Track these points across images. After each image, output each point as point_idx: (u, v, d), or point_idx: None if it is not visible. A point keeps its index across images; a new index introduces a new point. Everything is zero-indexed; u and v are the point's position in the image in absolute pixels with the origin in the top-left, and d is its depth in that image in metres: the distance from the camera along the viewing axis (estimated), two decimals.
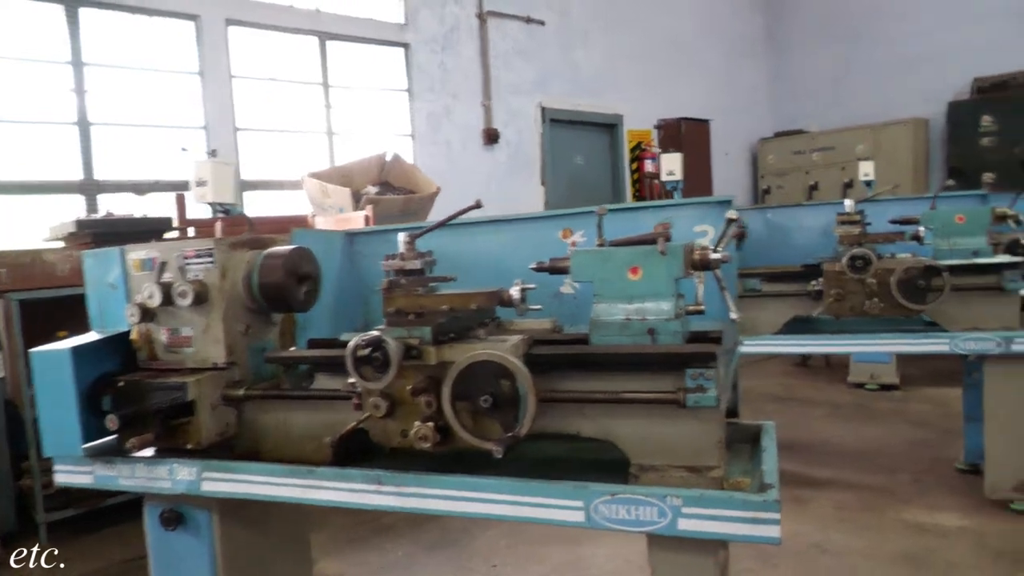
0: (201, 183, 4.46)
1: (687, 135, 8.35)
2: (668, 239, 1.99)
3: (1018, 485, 3.46)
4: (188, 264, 1.98)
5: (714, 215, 2.45)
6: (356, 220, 4.74)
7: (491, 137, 6.76)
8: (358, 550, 3.47)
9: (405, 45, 6.22)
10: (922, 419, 5.00)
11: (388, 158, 5.61)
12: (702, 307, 1.97)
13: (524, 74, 7.11)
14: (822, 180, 8.70)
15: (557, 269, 2.08)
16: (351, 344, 1.76)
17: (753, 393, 6.04)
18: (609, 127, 8.02)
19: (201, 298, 1.93)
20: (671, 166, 4.14)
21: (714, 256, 1.95)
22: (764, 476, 1.81)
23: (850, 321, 3.79)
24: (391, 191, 5.81)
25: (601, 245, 2.09)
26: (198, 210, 4.55)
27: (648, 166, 8.15)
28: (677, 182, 4.17)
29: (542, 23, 7.16)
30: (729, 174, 9.25)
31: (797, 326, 3.98)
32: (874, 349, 3.66)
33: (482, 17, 6.67)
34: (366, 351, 1.75)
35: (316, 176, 5.26)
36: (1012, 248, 4.96)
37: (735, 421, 2.41)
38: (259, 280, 2.02)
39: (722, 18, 9.30)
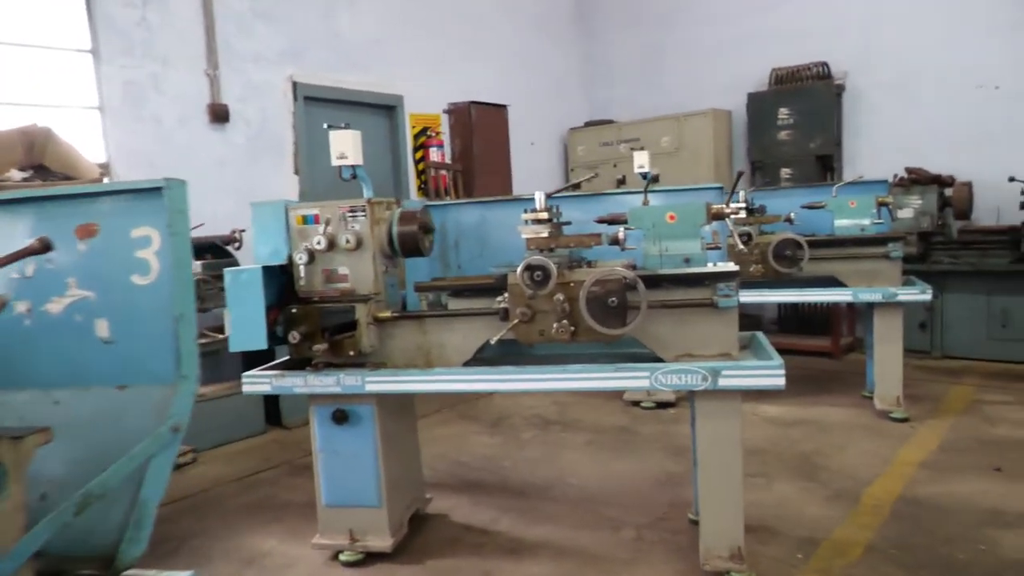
0: None
1: (480, 121, 7.51)
2: None
3: (735, 553, 2.78)
4: None
5: (156, 211, 1.48)
6: None
7: (219, 114, 5.58)
8: None
9: None
10: (682, 446, 4.34)
11: (41, 133, 4.33)
12: None
13: (268, 41, 5.96)
14: (630, 172, 8.14)
15: None
16: None
17: (521, 416, 5.26)
18: (387, 109, 7.02)
19: None
20: (342, 147, 3.20)
21: None
22: None
23: (555, 346, 3.01)
24: (49, 176, 4.53)
25: None
26: None
27: (434, 155, 7.24)
28: (353, 167, 3.23)
29: None
30: (537, 166, 8.51)
31: (499, 352, 3.17)
32: (557, 386, 2.86)
33: None
34: None
35: None
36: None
37: None
38: None
39: None
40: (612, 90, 9.12)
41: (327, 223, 3.05)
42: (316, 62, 6.31)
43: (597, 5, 9.18)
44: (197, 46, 5.50)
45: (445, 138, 7.42)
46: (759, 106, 7.52)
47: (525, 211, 2.87)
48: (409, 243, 3.08)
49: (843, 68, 7.23)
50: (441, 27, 7.43)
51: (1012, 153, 6.36)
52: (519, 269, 2.70)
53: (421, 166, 7.25)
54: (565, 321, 2.75)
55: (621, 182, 8.86)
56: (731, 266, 2.77)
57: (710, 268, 2.80)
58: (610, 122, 8.69)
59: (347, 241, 3.00)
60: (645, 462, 4.19)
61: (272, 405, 5.23)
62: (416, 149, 7.23)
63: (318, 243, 3.02)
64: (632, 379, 2.74)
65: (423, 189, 7.24)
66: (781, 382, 2.61)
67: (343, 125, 3.22)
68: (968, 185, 6.31)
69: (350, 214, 3.05)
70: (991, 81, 6.55)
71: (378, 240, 3.08)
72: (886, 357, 4.71)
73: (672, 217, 2.87)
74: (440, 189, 7.21)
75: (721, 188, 3.60)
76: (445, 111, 7.46)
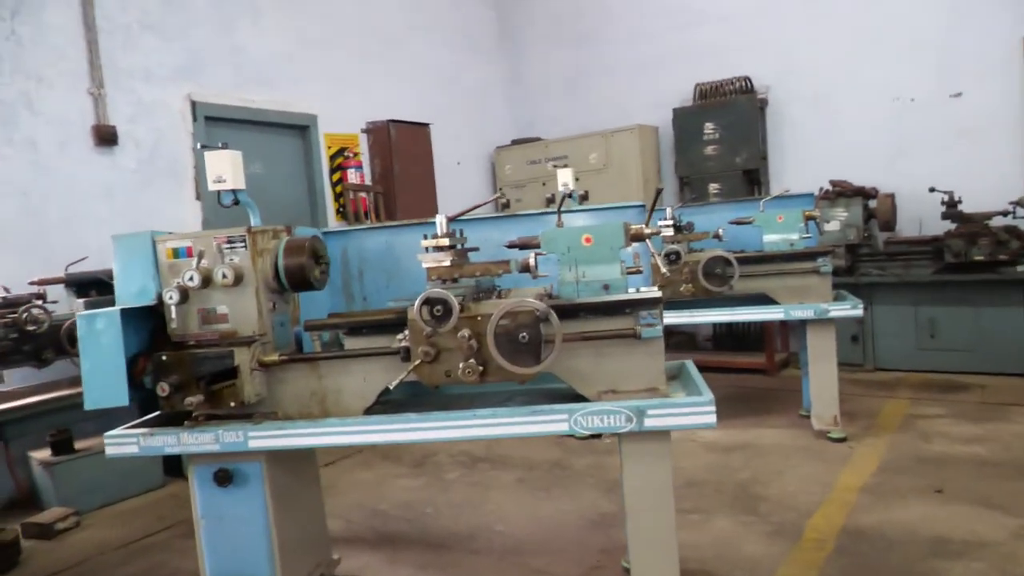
0: None
1: (400, 140, 7.18)
2: None
3: None
4: None
5: None
6: None
7: (106, 137, 5.09)
8: None
9: None
10: (616, 480, 4.05)
11: None
12: None
13: (161, 57, 5.51)
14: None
15: None
16: None
17: (448, 452, 4.90)
18: (300, 129, 6.62)
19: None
20: (219, 169, 2.83)
21: None
22: None
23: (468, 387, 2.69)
24: None
25: None
26: None
27: (352, 176, 6.87)
28: (234, 192, 2.86)
29: None
30: (464, 185, 8.22)
31: (408, 394, 2.84)
32: (466, 434, 2.54)
33: None
34: None
35: None
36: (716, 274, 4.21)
37: None
38: None
39: (443, 8, 8.26)
40: (539, 107, 8.94)
41: (201, 256, 2.66)
42: (218, 79, 5.88)
43: (521, 22, 9.02)
44: (78, 62, 5.01)
45: (364, 158, 7.06)
46: (685, 121, 7.44)
47: (425, 237, 2.55)
48: (297, 276, 2.71)
49: (765, 83, 7.22)
50: (356, 43, 7.10)
51: (930, 163, 6.42)
52: (416, 303, 2.38)
53: (339, 189, 6.87)
54: (473, 360, 2.43)
55: (550, 201, 8.71)
56: (654, 291, 2.51)
57: (631, 294, 2.54)
58: (537, 140, 8.50)
59: (224, 276, 2.62)
60: (577, 501, 3.90)
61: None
62: (333, 171, 6.85)
63: (190, 279, 2.62)
64: (549, 424, 2.43)
65: (342, 213, 6.85)
66: (712, 420, 2.35)
67: (220, 145, 2.86)
68: (891, 197, 6.33)
69: (227, 245, 2.67)
70: (906, 93, 6.62)
71: (262, 273, 2.70)
72: (821, 376, 4.57)
73: (588, 240, 2.60)
74: (360, 212, 6.84)
75: (643, 206, 3.36)
76: (363, 130, 7.11)
